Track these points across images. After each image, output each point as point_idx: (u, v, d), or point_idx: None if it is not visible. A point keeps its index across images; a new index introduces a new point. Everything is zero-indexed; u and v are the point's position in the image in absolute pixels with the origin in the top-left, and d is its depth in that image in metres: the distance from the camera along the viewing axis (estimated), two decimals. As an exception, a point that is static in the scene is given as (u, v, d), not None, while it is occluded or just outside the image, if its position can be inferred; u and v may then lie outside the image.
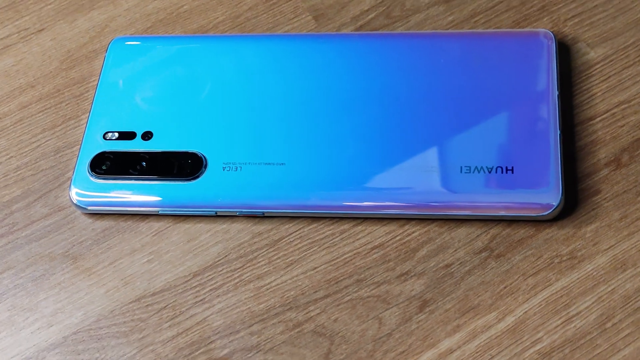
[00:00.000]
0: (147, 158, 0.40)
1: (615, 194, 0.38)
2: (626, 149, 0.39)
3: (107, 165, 0.40)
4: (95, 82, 0.44)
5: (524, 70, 0.40)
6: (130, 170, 0.40)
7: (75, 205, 0.40)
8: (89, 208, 0.40)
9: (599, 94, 0.41)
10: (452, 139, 0.39)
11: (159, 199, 0.40)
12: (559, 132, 0.38)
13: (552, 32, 0.41)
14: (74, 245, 0.40)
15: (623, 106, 0.40)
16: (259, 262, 0.38)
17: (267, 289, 0.38)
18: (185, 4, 0.47)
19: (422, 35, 0.42)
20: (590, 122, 0.40)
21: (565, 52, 0.42)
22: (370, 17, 0.45)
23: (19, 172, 0.43)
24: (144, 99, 0.42)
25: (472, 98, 0.40)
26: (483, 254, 0.37)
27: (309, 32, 0.45)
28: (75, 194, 0.40)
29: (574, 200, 0.38)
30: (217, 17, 0.46)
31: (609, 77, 0.41)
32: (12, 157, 0.43)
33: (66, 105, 0.44)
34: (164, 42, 0.44)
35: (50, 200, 0.41)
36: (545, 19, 0.43)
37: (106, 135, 0.41)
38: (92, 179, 0.40)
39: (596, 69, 0.41)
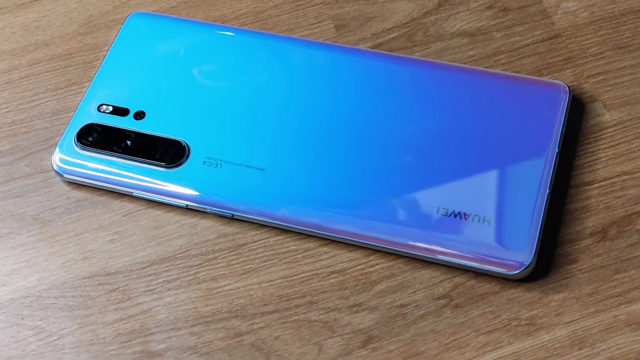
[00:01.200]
0: (132, 137, 0.40)
1: (592, 267, 0.36)
2: (616, 222, 0.37)
3: (94, 137, 0.40)
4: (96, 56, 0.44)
5: (528, 120, 0.39)
6: (114, 147, 0.40)
7: (55, 171, 0.40)
8: (66, 176, 0.40)
9: (603, 159, 0.39)
10: (436, 176, 0.38)
11: (135, 181, 0.39)
12: (548, 191, 0.36)
13: (569, 86, 0.39)
14: (45, 210, 0.40)
15: (625, 177, 0.38)
16: (217, 264, 0.38)
17: (218, 292, 0.37)
18: (213, -10, 0.46)
19: (432, 64, 0.41)
20: (586, 187, 0.38)
21: (579, 109, 0.40)
22: (391, 36, 0.43)
23: (13, 127, 0.43)
24: (147, 78, 0.42)
25: (468, 138, 0.38)
26: (441, 301, 0.36)
27: (327, 40, 0.43)
28: (57, 159, 0.40)
29: (548, 264, 0.36)
30: (241, 9, 0.45)
31: (619, 143, 0.39)
32: (10, 111, 0.43)
33: (74, 69, 0.44)
34: (180, 25, 0.44)
35: (35, 161, 0.41)
36: (568, 71, 0.41)
37: (100, 107, 0.41)
38: (76, 148, 0.40)
39: (607, 133, 0.39)
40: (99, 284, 0.38)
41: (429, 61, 0.41)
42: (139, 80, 0.42)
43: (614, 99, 0.40)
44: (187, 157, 0.39)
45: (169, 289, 0.37)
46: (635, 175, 0.38)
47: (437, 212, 0.37)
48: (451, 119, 0.39)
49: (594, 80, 0.41)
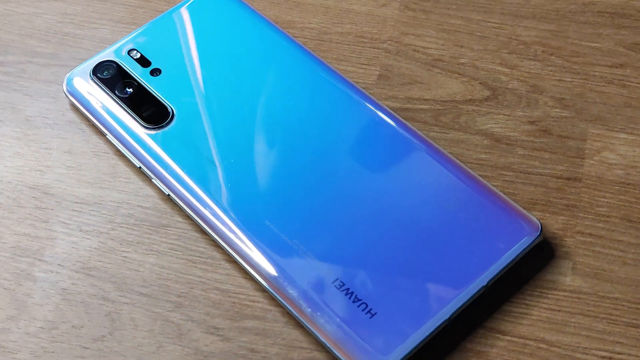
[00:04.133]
0: (134, 87, 0.42)
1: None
2: (500, 383, 0.34)
3: (107, 74, 0.42)
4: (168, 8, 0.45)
5: (478, 241, 0.36)
6: (117, 90, 0.42)
7: (64, 90, 0.42)
8: (69, 97, 0.42)
9: (534, 317, 0.35)
10: (358, 248, 0.36)
11: (114, 126, 0.41)
12: (445, 319, 0.34)
13: (554, 233, 0.37)
14: (39, 117, 0.43)
15: (542, 345, 0.34)
16: (133, 231, 0.39)
17: (115, 255, 0.38)
18: (299, -4, 0.47)
19: (430, 149, 0.39)
20: (497, 335, 0.35)
21: (546, 257, 0.36)
22: (421, 107, 0.42)
23: (64, 37, 0.46)
24: (185, 47, 0.43)
25: (414, 229, 0.36)
26: (288, 365, 0.35)
27: (363, 82, 0.42)
28: (68, 79, 0.42)
29: (404, 386, 0.33)
30: (311, 23, 0.45)
31: (560, 311, 0.35)
32: (72, 22, 0.46)
33: (142, 12, 0.47)
34: (241, 15, 0.44)
35: (60, 72, 0.44)
36: (561, 217, 0.38)
37: (131, 52, 0.43)
38: (89, 77, 0.42)
39: (556, 295, 0.36)
40: (33, 197, 0.40)
41: (431, 145, 0.39)
42: (178, 45, 0.43)
43: (586, 266, 0.36)
44: (166, 125, 0.40)
45: (81, 231, 0.39)
46: (552, 348, 0.34)
47: (332, 282, 0.35)
48: (411, 205, 0.37)
49: (581, 238, 0.37)
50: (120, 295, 0.37)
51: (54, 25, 0.46)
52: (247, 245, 0.36)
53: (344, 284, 0.35)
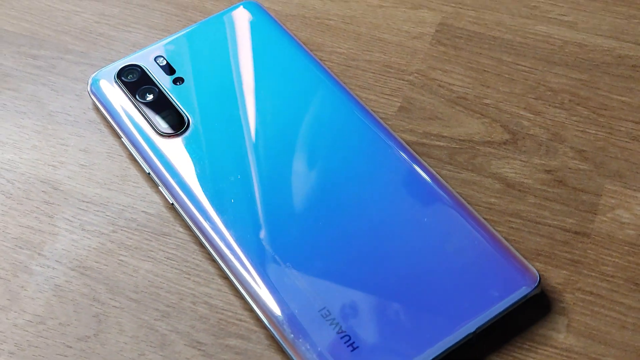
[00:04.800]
0: (154, 93, 0.42)
1: None
2: None
3: (130, 78, 0.43)
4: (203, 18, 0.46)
5: (473, 286, 0.35)
6: (138, 95, 0.42)
7: (88, 89, 0.43)
8: (92, 97, 0.43)
9: (520, 371, 0.34)
10: (349, 280, 0.35)
11: (130, 130, 0.41)
12: (425, 361, 0.33)
13: (553, 287, 0.36)
14: (61, 113, 0.43)
15: (523, 401, 0.33)
16: (134, 235, 0.39)
17: (112, 257, 0.38)
18: (333, 19, 0.46)
19: (439, 188, 0.38)
20: (479, 384, 0.34)
21: (542, 311, 0.36)
22: (437, 143, 0.41)
23: (98, 37, 0.46)
24: (211, 60, 0.43)
25: (408, 265, 0.36)
26: (263, 389, 0.34)
27: (383, 112, 0.42)
28: (94, 79, 0.43)
29: None
30: (340, 48, 0.45)
31: (549, 368, 0.34)
32: (109, 24, 0.47)
33: (177, 20, 0.47)
34: (270, 34, 0.44)
35: (89, 71, 0.45)
36: (564, 272, 0.37)
37: (158, 59, 0.43)
38: (113, 79, 0.43)
39: (546, 351, 0.35)
40: (43, 190, 0.40)
41: (440, 183, 0.38)
42: (204, 57, 0.43)
43: (582, 325, 0.35)
44: (179, 134, 0.40)
45: (83, 229, 0.39)
46: (534, 406, 0.33)
47: (319, 310, 0.35)
48: (410, 241, 0.37)
49: (581, 296, 0.36)
50: (110, 298, 0.37)
51: (90, 25, 0.47)
52: (240, 263, 0.36)
53: (330, 314, 0.35)
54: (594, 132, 0.41)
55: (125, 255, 0.38)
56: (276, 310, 0.35)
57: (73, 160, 0.41)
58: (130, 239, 0.39)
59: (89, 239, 0.39)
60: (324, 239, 0.37)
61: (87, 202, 0.40)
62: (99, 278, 0.37)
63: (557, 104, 0.42)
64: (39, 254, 0.38)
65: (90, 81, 0.43)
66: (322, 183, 0.39)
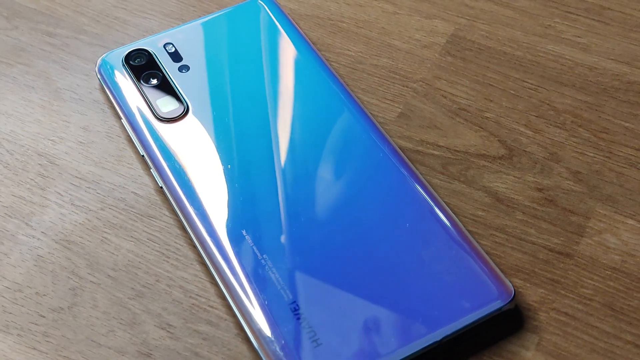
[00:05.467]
0: (159, 78, 0.42)
1: None
2: None
3: (137, 62, 0.43)
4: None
5: (443, 293, 0.35)
6: (142, 80, 0.43)
7: (96, 69, 0.44)
8: (99, 77, 0.43)
9: (483, 385, 0.34)
10: (322, 276, 0.36)
11: (130, 112, 0.42)
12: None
13: (529, 305, 0.35)
14: (68, 90, 0.44)
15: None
16: (120, 215, 0.39)
17: (96, 233, 0.39)
18: (346, 21, 0.47)
19: (427, 197, 0.38)
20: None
21: (513, 326, 0.35)
22: (432, 152, 0.41)
23: (113, 21, 0.47)
24: (218, 51, 0.44)
25: (383, 268, 0.36)
26: (225, 376, 0.34)
27: (382, 117, 0.42)
28: (103, 60, 0.44)
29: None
30: (349, 50, 0.45)
31: (513, 384, 0.34)
32: (125, 9, 0.48)
33: (192, 10, 0.48)
34: (282, 30, 0.45)
35: (99, 53, 0.45)
36: (541, 290, 0.36)
37: (167, 46, 0.44)
38: (120, 62, 0.43)
39: (513, 367, 0.34)
40: (39, 163, 0.41)
41: (428, 191, 0.38)
42: (212, 48, 0.44)
43: (552, 345, 0.35)
44: (177, 120, 0.41)
45: (72, 204, 0.40)
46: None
47: (290, 303, 0.35)
48: (389, 245, 0.36)
49: (556, 316, 0.35)
50: (89, 273, 0.37)
51: (107, 8, 0.48)
52: (218, 249, 0.36)
53: (299, 308, 0.35)
54: (592, 154, 0.40)
55: (109, 233, 0.39)
56: (246, 299, 0.35)
57: (72, 137, 0.42)
58: (117, 217, 0.39)
59: (77, 214, 0.39)
60: (303, 235, 0.37)
61: (80, 178, 0.40)
62: (80, 253, 0.38)
63: (558, 124, 0.42)
64: (27, 224, 0.39)
65: (99, 62, 0.44)
66: (308, 180, 0.39)
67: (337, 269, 0.36)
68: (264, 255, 0.36)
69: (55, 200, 0.40)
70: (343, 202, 0.38)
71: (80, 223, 0.39)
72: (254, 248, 0.36)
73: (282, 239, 0.37)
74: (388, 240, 0.36)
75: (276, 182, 0.38)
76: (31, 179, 0.40)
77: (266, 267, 0.36)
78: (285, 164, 0.39)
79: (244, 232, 0.37)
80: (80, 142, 0.42)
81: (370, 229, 0.37)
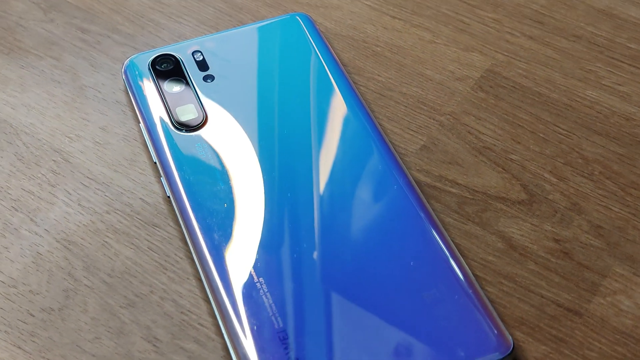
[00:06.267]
0: (182, 85, 0.42)
1: None
2: None
3: (164, 67, 0.43)
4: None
5: (439, 339, 0.34)
6: (165, 86, 0.42)
7: (122, 70, 0.43)
8: (124, 77, 0.43)
9: None
10: (316, 308, 0.34)
11: (149, 117, 0.41)
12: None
13: (516, 353, 0.34)
14: (92, 88, 0.44)
15: None
16: (125, 220, 0.39)
17: (98, 237, 0.38)
18: (381, 46, 0.45)
19: (435, 231, 0.37)
20: None
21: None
22: (451, 189, 0.39)
23: (148, 24, 0.47)
24: (248, 64, 0.43)
25: (381, 307, 0.34)
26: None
27: (404, 148, 0.41)
28: (130, 61, 0.43)
29: None
30: (379, 75, 0.44)
31: None
32: (163, 13, 0.47)
33: (230, 20, 0.47)
34: (313, 49, 0.44)
35: (130, 52, 0.45)
36: (543, 347, 0.35)
37: (195, 53, 0.43)
38: (147, 65, 0.43)
39: None
40: (53, 159, 0.41)
41: (439, 231, 0.37)
42: (240, 60, 0.43)
43: (547, 407, 0.33)
44: (193, 131, 0.40)
45: (79, 204, 0.39)
46: None
47: (278, 331, 0.34)
48: (392, 283, 0.35)
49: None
50: (84, 276, 0.37)
51: (144, 9, 0.47)
52: (216, 267, 0.36)
53: (287, 337, 0.34)
54: (617, 209, 0.39)
55: (111, 238, 0.38)
56: (236, 320, 0.34)
57: (90, 136, 0.42)
58: (121, 222, 0.39)
59: (82, 214, 0.39)
60: (303, 263, 0.36)
61: (91, 179, 0.40)
62: (79, 254, 0.37)
63: (585, 174, 0.40)
64: (32, 219, 0.39)
65: (125, 63, 0.43)
66: (316, 208, 0.38)
67: (334, 302, 0.35)
68: (260, 279, 0.35)
69: (63, 199, 0.39)
70: (349, 236, 0.37)
71: (84, 224, 0.38)
72: (252, 270, 0.35)
73: (281, 265, 0.36)
74: (390, 278, 0.35)
75: (284, 208, 0.37)
76: (43, 175, 0.40)
77: (261, 291, 0.35)
78: (296, 188, 0.38)
79: (242, 251, 0.36)
80: (97, 142, 0.41)
81: (373, 265, 0.36)
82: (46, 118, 0.42)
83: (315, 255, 0.36)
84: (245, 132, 0.40)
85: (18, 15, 0.47)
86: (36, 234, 0.38)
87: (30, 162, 0.41)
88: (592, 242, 0.38)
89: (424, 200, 0.38)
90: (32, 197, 0.39)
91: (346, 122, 0.41)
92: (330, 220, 0.37)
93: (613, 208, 0.39)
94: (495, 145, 0.41)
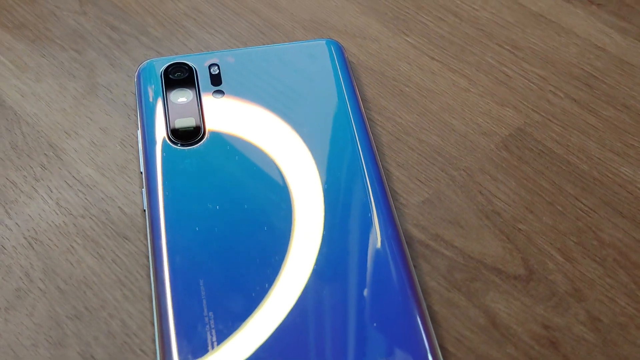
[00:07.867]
0: (190, 97, 0.40)
1: None
2: None
3: (177, 76, 0.41)
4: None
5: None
6: (171, 97, 0.40)
7: (135, 74, 0.42)
8: (136, 80, 0.42)
9: None
10: (274, 354, 0.32)
11: (148, 125, 0.39)
12: None
13: None
14: (105, 87, 0.43)
15: None
16: (98, 229, 0.37)
17: (67, 244, 0.37)
18: (410, 86, 0.43)
19: (412, 294, 0.33)
20: None
21: None
22: (442, 251, 0.36)
23: (178, 28, 0.45)
24: (259, 85, 0.41)
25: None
26: None
27: (405, 198, 0.38)
28: (146, 65, 0.42)
29: None
30: (400, 118, 0.41)
31: None
32: (193, 19, 0.46)
33: (260, 38, 0.45)
34: (337, 80, 0.41)
35: (151, 56, 0.44)
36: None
37: (212, 66, 0.42)
38: (160, 72, 0.41)
39: None
40: (45, 153, 0.40)
41: (417, 295, 0.33)
42: (257, 80, 0.41)
43: None
44: (188, 145, 0.38)
45: (57, 204, 0.38)
46: None
47: (210, 374, 0.31)
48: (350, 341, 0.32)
49: None
50: (40, 279, 0.35)
51: (178, 15, 0.46)
52: (171, 289, 0.34)
53: None
54: (623, 303, 0.35)
55: (79, 244, 0.37)
56: (175, 352, 0.32)
57: (88, 135, 0.40)
58: (93, 229, 0.37)
59: (57, 214, 0.37)
60: (259, 304, 0.33)
61: (77, 179, 0.39)
62: (42, 255, 0.36)
63: (597, 258, 0.36)
64: (6, 211, 0.38)
65: (140, 66, 0.42)
66: (293, 245, 0.35)
67: (286, 341, 0.32)
68: (210, 313, 0.33)
69: (43, 195, 0.38)
70: (315, 284, 0.34)
71: (56, 225, 0.37)
72: (204, 301, 0.33)
73: (235, 303, 0.33)
74: (351, 336, 0.32)
75: (256, 243, 0.35)
76: (31, 167, 0.39)
77: (207, 326, 0.33)
78: (272, 226, 0.36)
79: (201, 282, 0.34)
80: (93, 143, 0.40)
81: (337, 320, 0.33)
82: (51, 111, 0.41)
83: (273, 299, 0.33)
84: (239, 157, 0.38)
85: (55, 4, 0.46)
86: (6, 226, 0.37)
87: (23, 152, 0.40)
88: (586, 335, 0.34)
89: (409, 259, 0.35)
90: (14, 188, 0.38)
91: (347, 164, 0.38)
92: (300, 266, 0.34)
93: (619, 301, 0.35)
94: (505, 210, 0.37)
